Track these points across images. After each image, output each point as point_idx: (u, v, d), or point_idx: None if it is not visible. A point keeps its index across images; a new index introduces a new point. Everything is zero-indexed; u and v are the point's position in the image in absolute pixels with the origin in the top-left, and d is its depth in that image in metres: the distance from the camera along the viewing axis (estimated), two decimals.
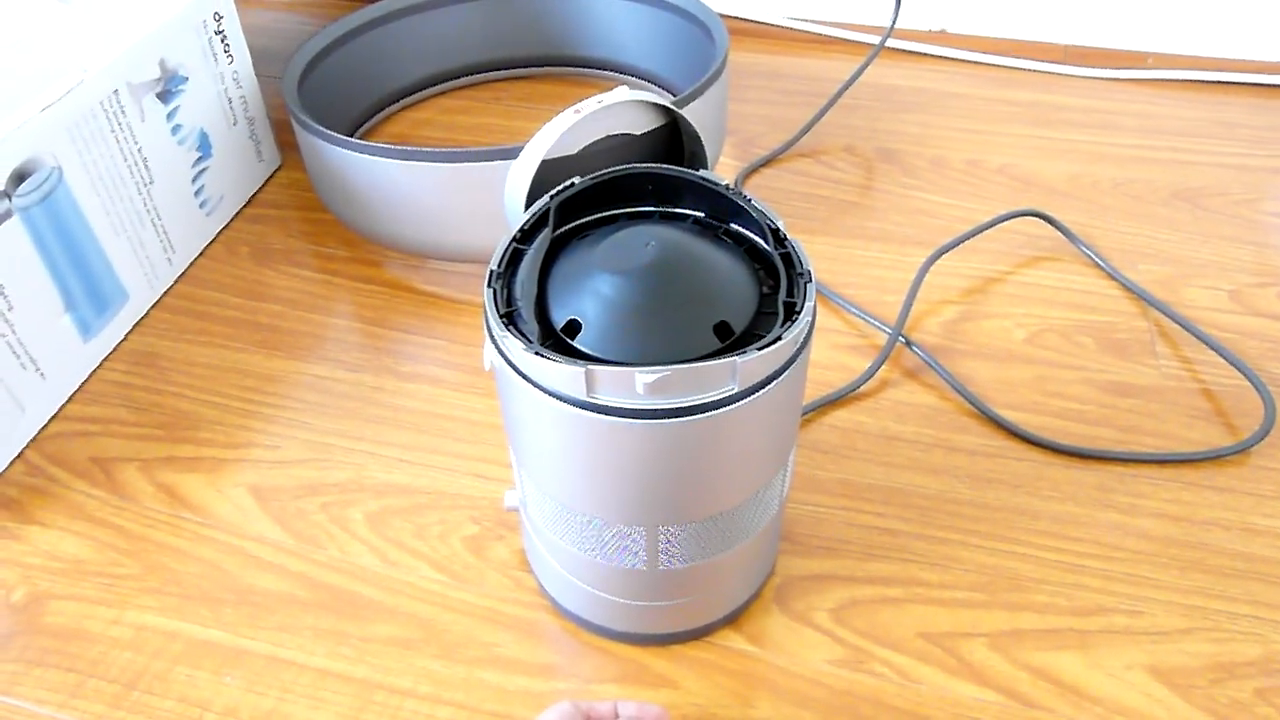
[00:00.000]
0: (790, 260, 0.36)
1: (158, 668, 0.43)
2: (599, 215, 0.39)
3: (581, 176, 0.38)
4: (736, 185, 0.70)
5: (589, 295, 0.34)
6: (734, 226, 0.38)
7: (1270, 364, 0.56)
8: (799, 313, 0.34)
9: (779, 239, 0.36)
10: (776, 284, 0.35)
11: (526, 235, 0.37)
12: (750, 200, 0.37)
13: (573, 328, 0.33)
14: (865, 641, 0.43)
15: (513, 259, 0.36)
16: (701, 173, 0.39)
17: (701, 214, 0.39)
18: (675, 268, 0.34)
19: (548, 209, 0.37)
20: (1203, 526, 0.48)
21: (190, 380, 0.57)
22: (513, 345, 0.32)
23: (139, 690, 0.42)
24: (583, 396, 0.32)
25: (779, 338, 0.32)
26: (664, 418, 0.32)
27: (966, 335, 0.58)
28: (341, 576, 0.47)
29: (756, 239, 0.38)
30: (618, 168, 0.39)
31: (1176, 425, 0.52)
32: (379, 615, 0.45)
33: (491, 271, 0.35)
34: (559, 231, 0.37)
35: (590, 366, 0.31)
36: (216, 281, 0.64)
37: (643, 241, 0.35)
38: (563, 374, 0.32)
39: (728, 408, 0.33)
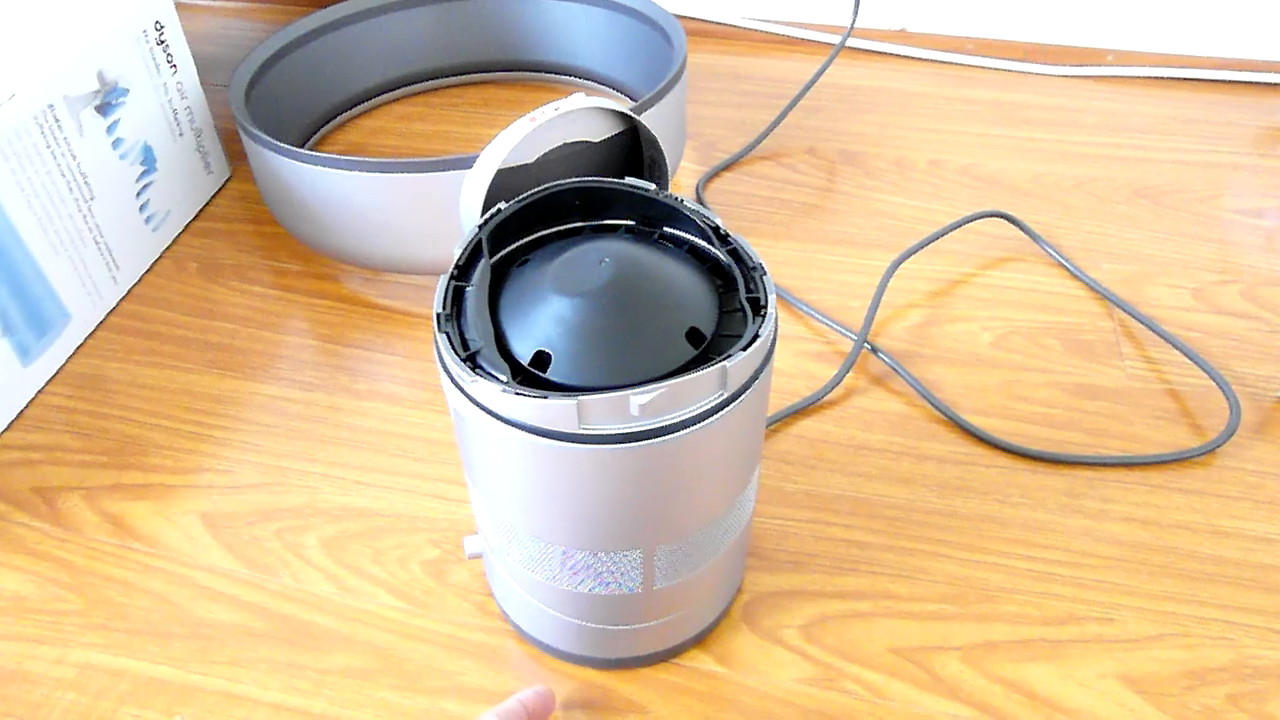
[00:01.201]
0: (739, 256, 0.35)
1: (103, 709, 0.41)
2: (532, 238, 0.38)
3: (507, 201, 0.37)
4: (698, 190, 0.69)
5: (553, 324, 0.32)
6: (668, 230, 0.38)
7: (1234, 363, 0.56)
8: (765, 307, 0.33)
9: (721, 237, 0.36)
10: (725, 283, 0.35)
11: (463, 271, 0.35)
12: (682, 201, 0.37)
13: (541, 359, 0.32)
14: (835, 658, 0.43)
15: (456, 297, 0.34)
16: (629, 180, 0.38)
17: (633, 222, 0.38)
18: (636, 281, 0.33)
19: (479, 239, 0.35)
20: (1171, 530, 0.47)
21: (137, 403, 0.55)
22: (485, 389, 0.31)
23: None
24: (574, 429, 0.31)
25: (757, 335, 0.32)
26: (659, 436, 0.31)
27: (933, 340, 0.57)
28: (296, 606, 0.45)
29: (696, 240, 0.37)
30: (541, 187, 0.37)
31: (1143, 427, 0.52)
32: (336, 645, 0.44)
33: (438, 315, 0.33)
34: (495, 259, 0.36)
35: (582, 397, 0.30)
36: (164, 300, 0.62)
37: (596, 259, 0.34)
38: (551, 410, 0.30)
39: (719, 414, 0.32)
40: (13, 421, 0.54)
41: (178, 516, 0.49)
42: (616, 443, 0.31)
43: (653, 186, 0.37)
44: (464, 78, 0.81)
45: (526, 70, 0.81)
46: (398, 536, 0.48)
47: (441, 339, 0.32)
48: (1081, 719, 0.40)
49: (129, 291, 0.62)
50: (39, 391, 0.56)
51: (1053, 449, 0.51)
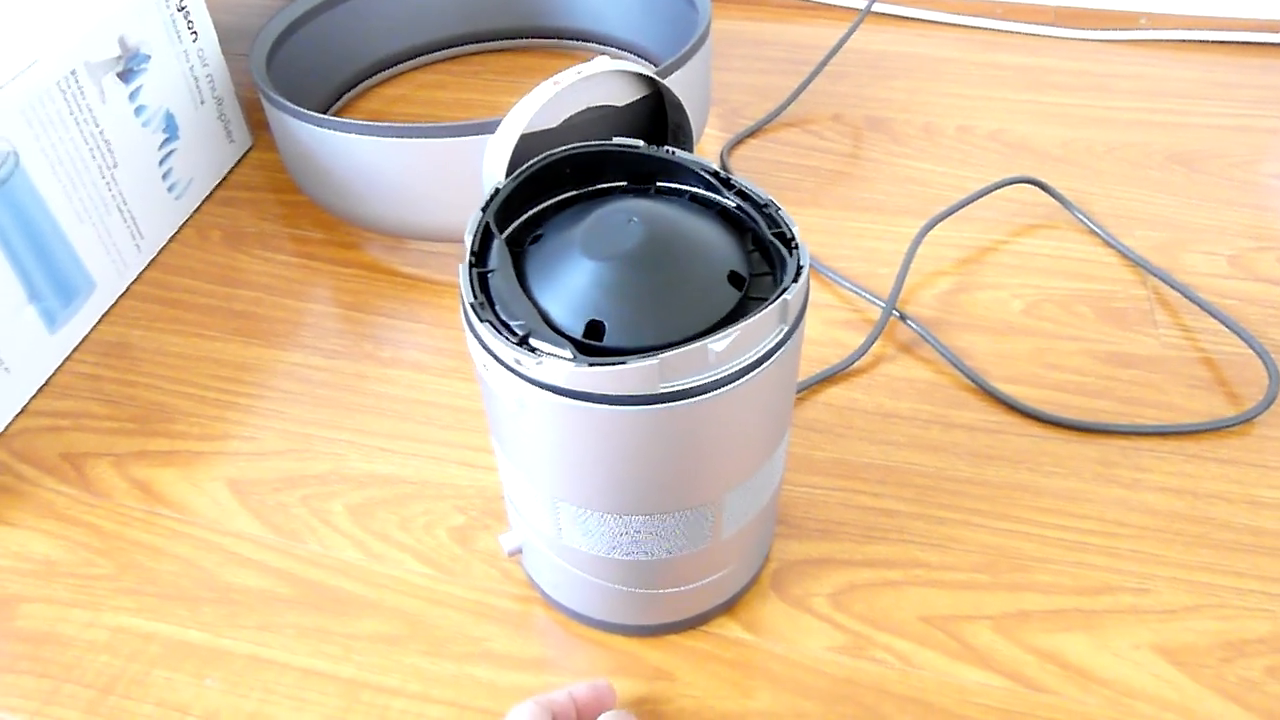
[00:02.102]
0: (747, 196, 0.35)
1: (135, 671, 0.42)
2: (534, 211, 0.37)
3: (503, 179, 0.36)
4: (722, 157, 0.68)
5: (599, 291, 0.32)
6: (661, 185, 0.38)
7: (1272, 330, 0.54)
8: (794, 239, 0.33)
9: (725, 181, 0.36)
10: (734, 226, 0.35)
11: (479, 256, 0.34)
12: (674, 153, 0.37)
13: (596, 329, 0.31)
14: (865, 627, 0.42)
15: (482, 284, 0.33)
16: (616, 140, 0.37)
17: (625, 182, 0.38)
18: (670, 234, 0.33)
19: (485, 222, 0.35)
20: (1207, 500, 0.46)
21: (163, 371, 0.55)
22: (553, 369, 0.30)
23: (116, 695, 0.41)
24: (654, 390, 0.30)
25: (800, 265, 0.32)
26: (734, 380, 0.31)
27: (962, 307, 0.57)
28: (324, 571, 0.45)
29: (694, 190, 0.37)
30: (533, 161, 0.37)
31: (1178, 396, 0.51)
32: (363, 611, 0.44)
33: (473, 305, 0.32)
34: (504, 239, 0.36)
35: (664, 355, 0.29)
36: (188, 268, 0.62)
37: (623, 220, 0.33)
38: (630, 374, 0.29)
39: (782, 349, 0.32)
40: (41, 388, 0.54)
41: (204, 483, 0.49)
42: (696, 395, 0.31)
43: (641, 143, 0.37)
44: (486, 45, 0.80)
45: (549, 37, 0.80)
46: (424, 503, 0.48)
47: (485, 329, 0.31)
48: (1115, 689, 0.40)
49: (153, 260, 0.62)
50: (66, 359, 0.56)
51: (1086, 417, 0.50)
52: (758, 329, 0.31)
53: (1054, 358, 0.53)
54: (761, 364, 0.31)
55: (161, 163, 0.62)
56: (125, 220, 0.59)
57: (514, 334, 0.31)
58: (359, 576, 0.45)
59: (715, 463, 0.34)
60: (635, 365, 0.29)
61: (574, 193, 0.38)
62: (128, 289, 0.60)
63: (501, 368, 0.31)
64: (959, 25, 0.83)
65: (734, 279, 0.32)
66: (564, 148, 0.37)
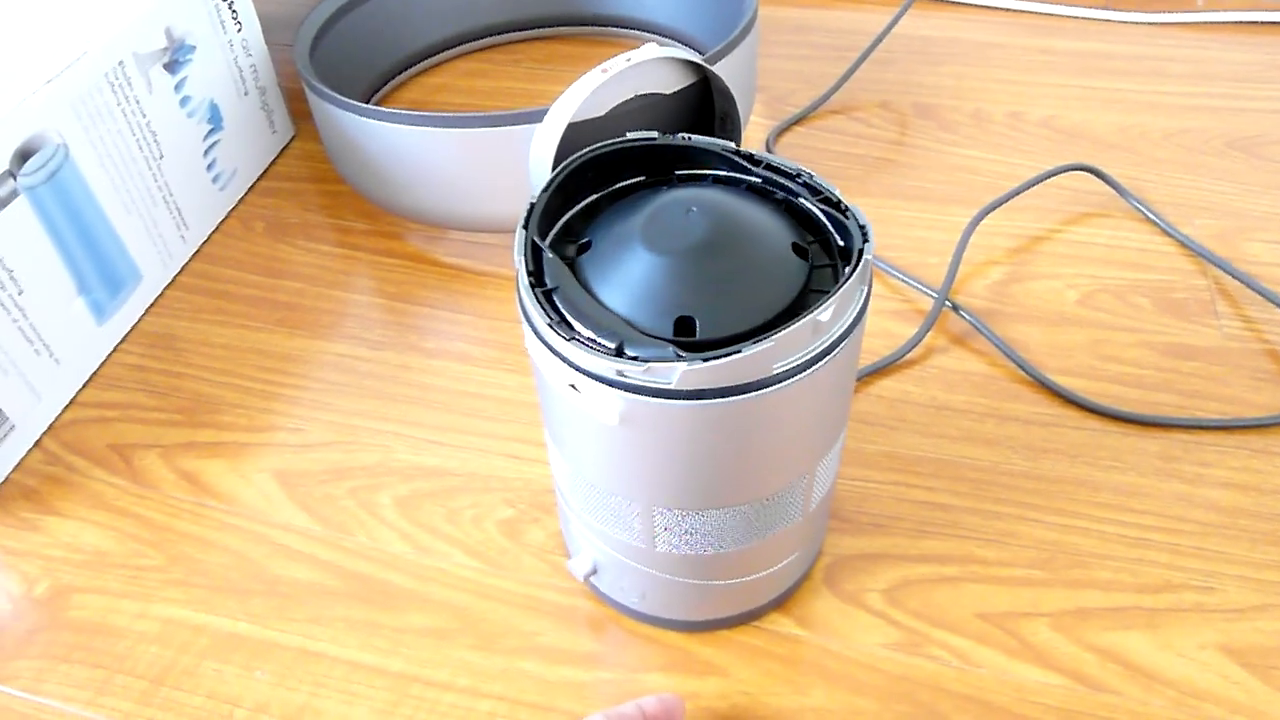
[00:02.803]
0: (776, 169, 0.35)
1: (185, 662, 0.42)
2: (565, 220, 0.36)
3: (538, 192, 0.35)
4: (768, 145, 0.68)
5: (680, 286, 0.31)
6: (680, 173, 0.37)
7: None
8: (840, 201, 0.33)
9: (752, 159, 0.35)
10: (767, 200, 0.35)
11: (535, 275, 0.33)
12: (690, 139, 0.36)
13: (686, 325, 0.30)
14: (920, 623, 0.41)
15: (548, 302, 0.32)
16: (629, 135, 0.36)
17: (641, 177, 0.37)
18: (731, 218, 0.32)
19: (531, 240, 0.33)
20: (1274, 496, 0.45)
21: (209, 362, 0.55)
22: (663, 373, 0.29)
23: (167, 686, 0.41)
24: (769, 373, 0.29)
25: (863, 225, 0.32)
26: (835, 347, 0.31)
27: (1015, 298, 0.55)
28: (372, 564, 0.45)
29: (715, 172, 0.37)
30: (560, 168, 0.35)
31: (1242, 389, 0.50)
32: (412, 604, 0.43)
33: (550, 325, 0.30)
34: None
35: (776, 335, 0.29)
36: (232, 259, 0.62)
37: (680, 212, 0.32)
38: (750, 362, 0.29)
39: (866, 309, 0.32)
40: (89, 380, 0.54)
41: (252, 474, 0.49)
42: (807, 369, 0.30)
43: (655, 134, 0.36)
44: (527, 33, 0.80)
45: (590, 24, 0.80)
46: (471, 496, 0.47)
47: (573, 348, 0.30)
48: (1180, 689, 0.39)
49: (197, 251, 0.62)
50: (113, 350, 0.56)
51: (1145, 411, 0.49)
52: (850, 292, 0.30)
53: (1111, 349, 0.52)
54: (854, 327, 0.31)
55: (206, 153, 0.62)
56: (171, 211, 0.59)
57: (607, 346, 0.30)
58: (407, 569, 0.45)
59: (813, 434, 0.34)
60: (751, 352, 0.28)
61: (595, 196, 0.36)
62: (173, 280, 0.60)
63: (599, 384, 0.30)
64: (1008, 9, 0.81)
65: (798, 250, 0.32)
66: (583, 152, 0.36)
